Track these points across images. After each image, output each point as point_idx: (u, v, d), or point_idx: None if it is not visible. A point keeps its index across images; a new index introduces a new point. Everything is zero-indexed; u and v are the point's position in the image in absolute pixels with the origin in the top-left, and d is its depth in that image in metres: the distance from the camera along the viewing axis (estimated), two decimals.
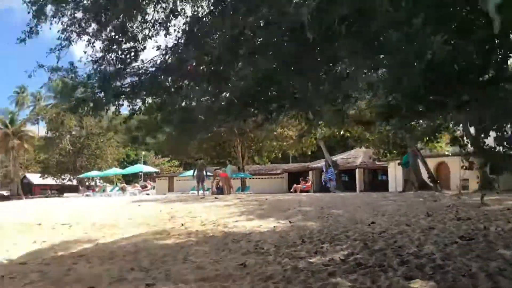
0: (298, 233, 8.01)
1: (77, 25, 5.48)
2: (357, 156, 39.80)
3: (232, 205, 13.39)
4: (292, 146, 32.06)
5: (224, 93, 5.50)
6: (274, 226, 8.90)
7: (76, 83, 5.62)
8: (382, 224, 8.32)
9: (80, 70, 5.76)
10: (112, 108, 6.26)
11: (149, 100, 6.21)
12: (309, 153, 39.66)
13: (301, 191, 27.45)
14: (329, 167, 26.35)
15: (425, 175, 21.65)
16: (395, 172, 34.76)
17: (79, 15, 5.42)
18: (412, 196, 14.05)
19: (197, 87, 5.37)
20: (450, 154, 27.82)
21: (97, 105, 5.76)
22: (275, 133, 29.58)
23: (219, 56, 4.42)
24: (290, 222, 9.28)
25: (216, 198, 16.72)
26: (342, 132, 24.31)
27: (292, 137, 30.81)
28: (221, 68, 4.93)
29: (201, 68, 5.11)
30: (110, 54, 5.54)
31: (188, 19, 5.49)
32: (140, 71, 5.56)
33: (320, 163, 41.00)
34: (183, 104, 5.87)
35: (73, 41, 5.63)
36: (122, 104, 5.93)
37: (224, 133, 32.84)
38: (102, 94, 5.56)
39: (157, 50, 5.48)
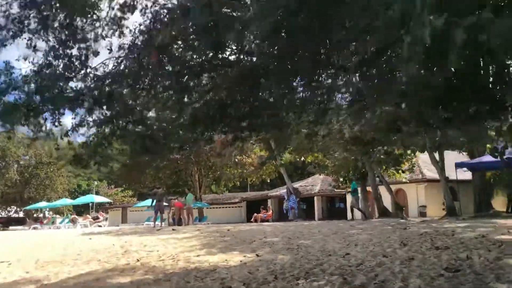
0: (268, 267, 7.24)
1: (15, 23, 4.58)
2: (315, 183, 39.68)
3: (192, 237, 12.44)
4: (253, 174, 31.29)
5: (190, 105, 4.74)
6: (241, 260, 8.07)
7: (8, 85, 4.68)
8: (357, 256, 7.69)
9: (17, 71, 4.85)
10: (50, 118, 5.34)
11: (97, 113, 5.33)
12: (268, 181, 39.17)
13: (262, 220, 26.67)
14: (291, 194, 25.78)
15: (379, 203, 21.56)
16: None
17: (16, 10, 4.58)
18: (379, 224, 13.61)
19: (158, 96, 4.60)
20: (408, 181, 28.15)
21: (31, 112, 4.81)
22: (236, 159, 28.76)
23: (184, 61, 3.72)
24: (257, 255, 8.49)
25: (173, 230, 15.66)
26: (303, 159, 24.05)
27: (253, 164, 30.12)
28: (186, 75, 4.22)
29: (163, 73, 4.36)
30: (55, 60, 4.67)
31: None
32: (88, 77, 4.72)
33: (280, 191, 40.56)
34: (140, 116, 5.04)
35: (7, 42, 4.71)
36: (63, 113, 5.02)
37: (180, 161, 31.81)
38: (38, 98, 4.64)
39: (109, 52, 4.70)
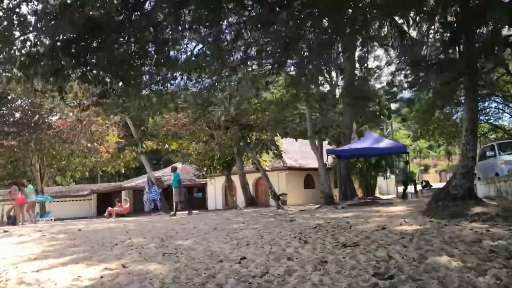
0: (142, 285, 5.28)
1: None
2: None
3: (31, 242, 9.64)
4: (108, 163, 27.84)
5: None
6: (101, 276, 5.90)
7: None
8: (256, 260, 6.15)
9: None
10: None
11: None
12: (123, 172, 36.00)
13: (118, 215, 23.78)
14: (153, 185, 23.42)
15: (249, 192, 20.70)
16: (214, 190, 33.80)
17: None
18: (258, 216, 12.37)
19: None
20: (270, 169, 27.92)
21: None
22: (89, 145, 25.10)
23: None
24: (124, 266, 6.40)
25: (5, 231, 12.28)
26: (166, 146, 21.92)
27: (109, 151, 26.76)
28: None
29: None
30: None
31: None
32: None
33: (136, 182, 37.64)
34: None
35: None
36: None
37: (18, 148, 27.04)
38: None
39: None
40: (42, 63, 7.10)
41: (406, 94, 29.38)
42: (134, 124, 23.53)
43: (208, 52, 8.71)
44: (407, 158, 21.21)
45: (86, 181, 44.45)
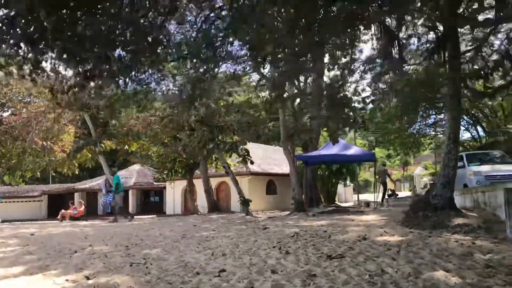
0: None
1: None
2: (131, 175, 36.39)
3: None
4: (64, 163, 26.23)
5: None
6: None
7: None
8: (236, 273, 5.61)
9: None
10: None
11: None
12: (76, 173, 34.33)
13: (72, 218, 22.45)
14: (111, 187, 22.25)
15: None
16: (173, 194, 32.78)
17: None
18: (227, 222, 11.81)
19: None
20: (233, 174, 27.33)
21: None
22: (44, 143, 23.50)
23: None
24: (87, 277, 5.68)
25: None
26: (126, 147, 20.87)
27: (64, 150, 25.21)
28: None
29: None
30: None
31: None
32: None
33: (90, 184, 36.00)
34: None
35: None
36: None
37: None
38: None
39: None
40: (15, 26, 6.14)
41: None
42: (95, 122, 22.30)
43: (200, 36, 8.26)
44: (376, 165, 21.20)
45: (36, 181, 42.24)
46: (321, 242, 7.45)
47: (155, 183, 33.04)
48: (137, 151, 23.74)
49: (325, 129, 18.80)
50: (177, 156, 23.04)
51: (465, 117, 29.37)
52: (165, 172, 25.28)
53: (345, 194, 37.82)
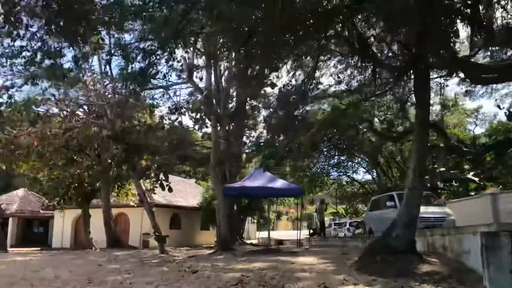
0: None
1: None
2: (12, 201, 31.59)
3: None
4: None
5: None
6: None
7: None
8: None
9: None
10: None
11: None
12: None
13: None
14: None
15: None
16: (63, 225, 28.89)
17: None
18: (138, 261, 9.73)
19: None
20: (135, 205, 24.48)
21: None
22: None
23: None
24: None
25: None
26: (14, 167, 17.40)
27: None
28: None
29: None
30: None
31: None
32: None
33: None
34: None
35: None
36: None
37: None
38: None
39: None
40: None
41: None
42: None
43: None
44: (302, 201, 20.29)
45: None
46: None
47: (41, 211, 29.02)
48: (25, 174, 20.00)
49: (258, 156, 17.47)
50: (72, 181, 20.01)
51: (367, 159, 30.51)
52: (56, 199, 21.86)
53: (249, 231, 36.63)
